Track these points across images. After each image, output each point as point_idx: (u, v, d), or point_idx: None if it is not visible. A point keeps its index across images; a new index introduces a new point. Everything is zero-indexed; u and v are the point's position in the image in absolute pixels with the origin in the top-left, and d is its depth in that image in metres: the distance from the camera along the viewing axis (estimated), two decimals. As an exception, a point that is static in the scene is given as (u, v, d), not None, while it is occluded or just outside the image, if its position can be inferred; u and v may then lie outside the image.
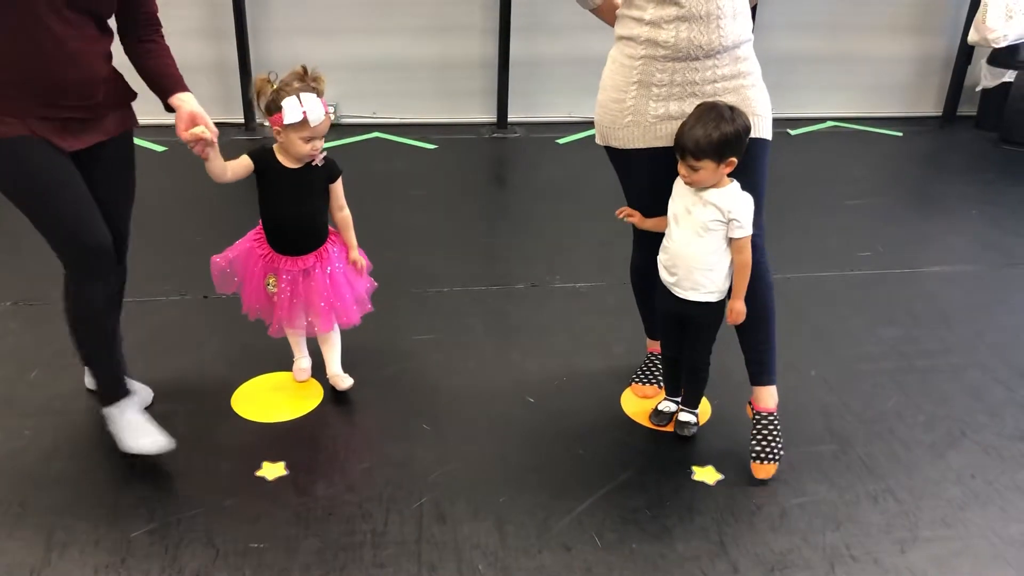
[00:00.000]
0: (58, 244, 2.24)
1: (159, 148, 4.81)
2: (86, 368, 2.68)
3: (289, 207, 2.51)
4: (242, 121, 5.17)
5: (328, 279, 2.58)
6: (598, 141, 2.51)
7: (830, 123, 5.76)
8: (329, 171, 2.54)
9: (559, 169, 4.81)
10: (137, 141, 4.91)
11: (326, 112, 2.42)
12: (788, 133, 5.51)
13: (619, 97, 2.39)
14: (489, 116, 5.43)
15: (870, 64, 5.76)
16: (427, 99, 5.38)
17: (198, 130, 2.26)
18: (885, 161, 5.25)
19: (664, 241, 2.42)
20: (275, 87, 2.40)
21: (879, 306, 3.41)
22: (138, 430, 2.41)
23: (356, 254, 2.64)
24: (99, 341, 2.38)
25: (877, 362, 3.03)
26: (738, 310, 2.39)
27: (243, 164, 2.47)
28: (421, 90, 5.36)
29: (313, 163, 2.48)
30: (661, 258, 2.43)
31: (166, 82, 2.32)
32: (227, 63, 5.09)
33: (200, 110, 2.31)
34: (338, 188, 2.57)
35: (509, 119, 5.41)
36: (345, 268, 2.62)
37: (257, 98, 2.44)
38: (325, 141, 2.49)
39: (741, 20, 2.32)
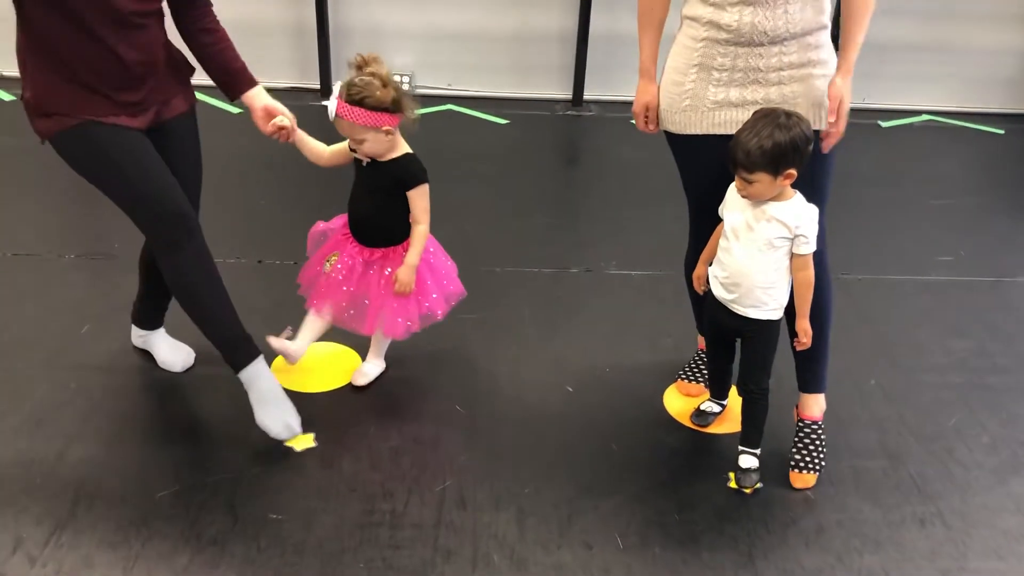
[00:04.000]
0: (139, 216, 2.24)
1: (235, 110, 4.86)
2: (133, 326, 2.73)
3: (360, 200, 2.47)
4: (318, 87, 5.19)
5: (384, 280, 2.47)
6: (659, 124, 2.41)
7: (926, 116, 5.45)
8: (401, 178, 2.40)
9: (632, 151, 4.67)
10: (213, 102, 4.96)
11: (339, 114, 2.27)
12: (879, 125, 5.24)
13: (679, 80, 2.28)
14: (565, 92, 5.32)
15: (973, 55, 5.41)
16: (502, 72, 5.29)
17: (278, 121, 2.34)
18: (982, 160, 4.94)
19: (720, 255, 2.26)
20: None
21: (953, 315, 3.21)
22: (268, 402, 2.35)
23: (403, 271, 2.42)
24: (196, 308, 2.33)
25: (943, 375, 2.85)
26: (804, 330, 2.22)
27: (342, 149, 2.45)
28: (497, 63, 5.28)
29: (363, 162, 2.42)
30: (716, 273, 2.28)
31: (232, 80, 2.35)
32: (305, 27, 5.10)
33: (271, 102, 2.36)
34: (415, 198, 2.40)
35: (585, 96, 5.28)
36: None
37: None
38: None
39: (815, 6, 2.17)
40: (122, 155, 2.20)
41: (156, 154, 2.26)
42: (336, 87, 2.30)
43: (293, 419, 2.39)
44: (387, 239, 2.48)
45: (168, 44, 2.29)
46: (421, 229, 2.44)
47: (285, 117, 2.35)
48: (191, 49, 2.35)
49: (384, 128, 2.30)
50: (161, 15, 2.23)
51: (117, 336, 2.78)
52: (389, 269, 2.47)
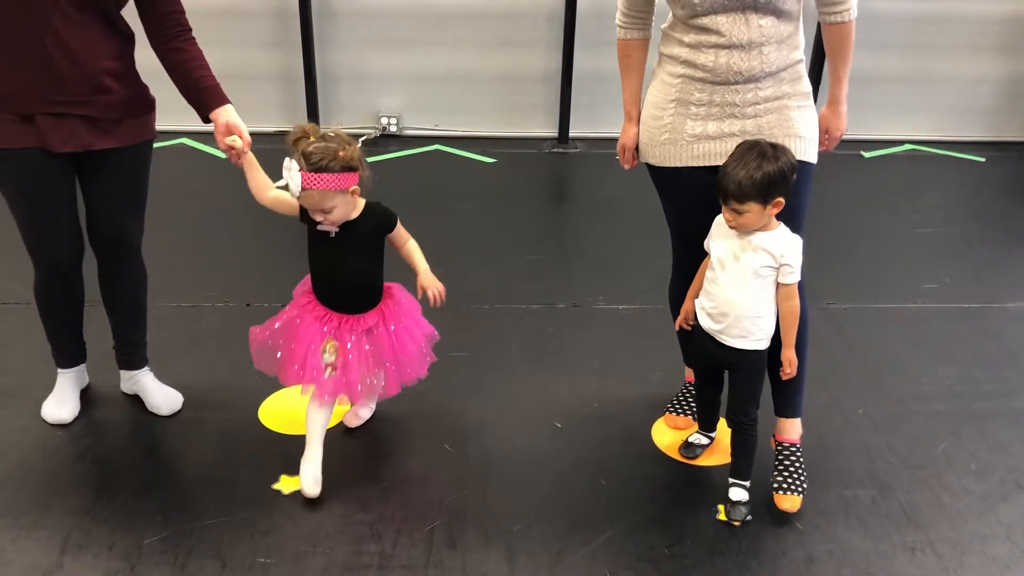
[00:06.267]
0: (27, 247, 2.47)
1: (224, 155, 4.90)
2: (120, 371, 2.74)
3: (339, 271, 2.32)
4: (306, 130, 5.24)
5: (393, 336, 2.40)
6: (639, 158, 2.45)
7: (908, 146, 5.52)
8: (380, 224, 2.34)
9: (618, 186, 4.72)
10: (202, 147, 5.00)
11: (307, 186, 2.14)
12: (862, 156, 5.30)
13: (657, 114, 2.33)
14: (551, 131, 5.39)
15: (953, 85, 5.51)
16: (489, 112, 5.37)
17: (229, 139, 2.29)
18: (965, 188, 5.00)
19: (707, 286, 2.29)
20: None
21: (939, 342, 3.23)
22: (54, 398, 2.66)
23: (428, 279, 2.39)
24: (43, 322, 2.61)
25: (930, 402, 2.86)
26: (790, 359, 2.25)
27: (290, 201, 2.28)
28: (483, 103, 5.35)
29: (330, 234, 2.28)
30: (704, 304, 2.30)
31: (203, 98, 2.32)
32: (293, 72, 5.17)
33: (236, 120, 2.33)
34: (397, 232, 2.37)
35: (571, 134, 5.35)
36: (407, 322, 2.43)
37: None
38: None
39: (790, 43, 2.22)
40: (18, 195, 2.32)
41: (58, 190, 2.32)
42: (288, 164, 2.16)
43: (65, 413, 2.64)
44: (374, 298, 2.40)
45: (124, 65, 2.28)
46: (414, 242, 2.42)
47: (238, 138, 2.28)
48: (165, 68, 2.32)
49: (352, 188, 2.21)
50: (108, 19, 2.21)
51: (105, 383, 2.78)
52: (393, 326, 2.40)
